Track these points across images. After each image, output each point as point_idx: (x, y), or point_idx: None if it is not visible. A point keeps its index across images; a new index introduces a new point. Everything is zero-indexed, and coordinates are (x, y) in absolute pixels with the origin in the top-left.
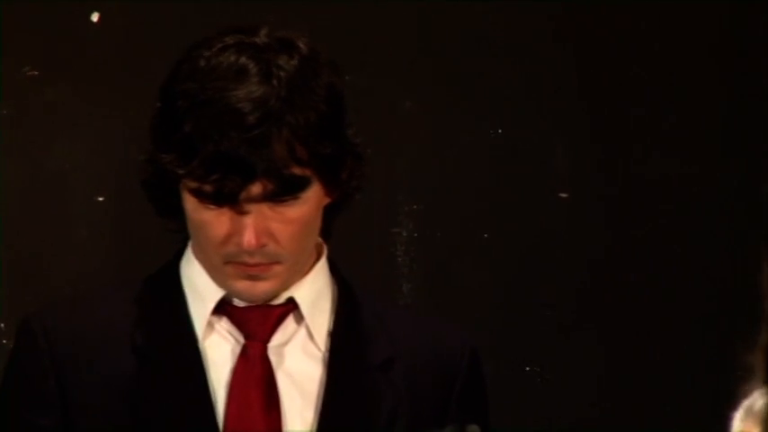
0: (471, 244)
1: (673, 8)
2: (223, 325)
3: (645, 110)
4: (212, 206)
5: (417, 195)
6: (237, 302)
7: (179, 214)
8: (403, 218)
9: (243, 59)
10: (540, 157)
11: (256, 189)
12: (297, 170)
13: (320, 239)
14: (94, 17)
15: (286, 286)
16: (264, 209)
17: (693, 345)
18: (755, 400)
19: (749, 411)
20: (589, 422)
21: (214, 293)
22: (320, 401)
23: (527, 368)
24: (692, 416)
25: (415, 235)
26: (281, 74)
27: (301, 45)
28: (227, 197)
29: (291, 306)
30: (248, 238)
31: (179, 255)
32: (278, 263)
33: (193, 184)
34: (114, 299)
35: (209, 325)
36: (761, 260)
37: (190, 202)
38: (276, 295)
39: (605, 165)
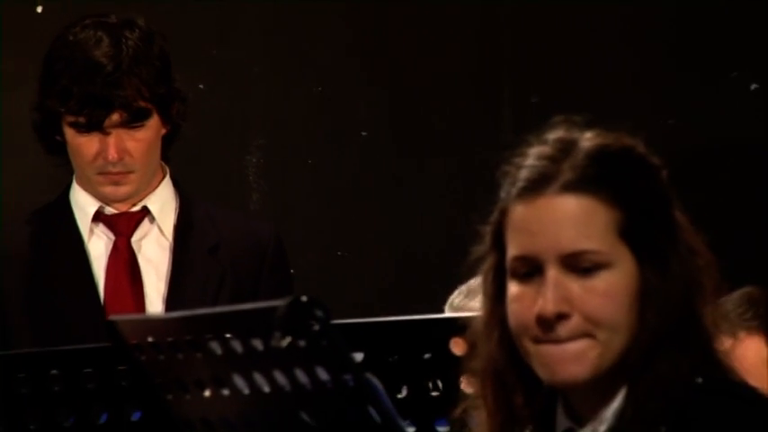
0: (301, 168)
1: None
2: (100, 228)
3: (431, 69)
4: (85, 133)
5: (264, 133)
6: (108, 211)
7: (63, 151)
8: (253, 149)
9: (99, 33)
10: (348, 105)
11: (115, 117)
12: (143, 104)
13: (164, 164)
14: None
15: (140, 194)
16: (122, 133)
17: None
18: (454, 296)
19: (450, 307)
20: (388, 293)
21: (92, 206)
22: (169, 276)
23: (339, 253)
24: None
25: (262, 161)
26: (129, 42)
27: (140, 23)
28: (95, 124)
29: (146, 212)
30: (111, 153)
31: (68, 186)
32: (132, 172)
33: (71, 119)
34: (31, 220)
35: (91, 230)
36: None
37: (69, 134)
38: (132, 198)
39: (397, 113)
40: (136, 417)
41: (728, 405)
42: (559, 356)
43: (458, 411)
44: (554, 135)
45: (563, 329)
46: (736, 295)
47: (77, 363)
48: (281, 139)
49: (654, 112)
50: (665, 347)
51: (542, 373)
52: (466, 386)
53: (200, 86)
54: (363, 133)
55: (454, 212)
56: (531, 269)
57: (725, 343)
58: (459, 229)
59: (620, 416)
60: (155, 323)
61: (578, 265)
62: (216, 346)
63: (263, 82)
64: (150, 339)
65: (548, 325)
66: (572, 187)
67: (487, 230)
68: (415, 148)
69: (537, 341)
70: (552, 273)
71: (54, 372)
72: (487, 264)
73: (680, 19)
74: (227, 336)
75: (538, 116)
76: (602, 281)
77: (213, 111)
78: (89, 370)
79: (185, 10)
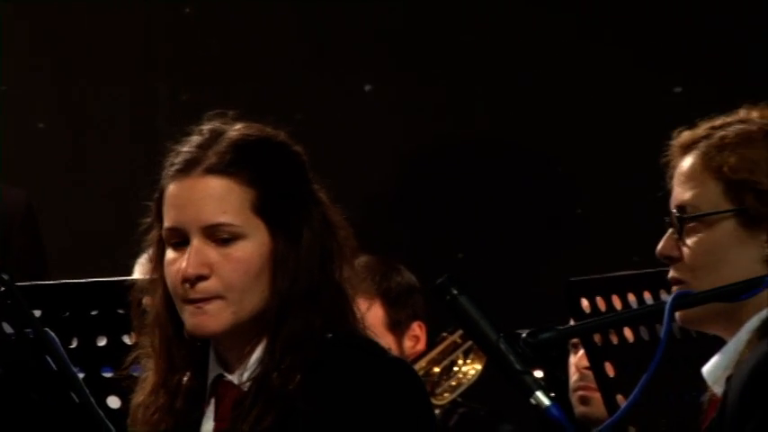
0: (56, 174)
1: None
2: None
3: (100, 72)
4: None
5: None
6: None
7: None
8: None
9: None
10: (29, 102)
11: None
12: None
13: None
14: None
15: None
16: None
17: None
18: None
19: (139, 264)
20: (66, 257)
21: None
22: None
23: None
24: None
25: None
26: None
27: None
28: None
29: None
30: None
31: None
32: None
33: None
34: None
35: None
36: None
37: None
38: None
39: (70, 109)
40: None
41: (352, 355)
42: (200, 314)
43: (130, 359)
44: (208, 126)
45: (202, 289)
46: (357, 264)
47: None
48: (24, 140)
49: (285, 108)
50: (299, 307)
51: (187, 327)
52: (132, 338)
53: None
54: (40, 125)
55: (126, 192)
56: (181, 239)
57: (363, 305)
58: (131, 204)
59: (261, 364)
60: None
61: (216, 235)
62: None
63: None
64: None
65: (190, 284)
66: (213, 170)
67: (152, 206)
68: (86, 137)
69: (184, 301)
70: (195, 241)
71: None
72: (153, 233)
73: (315, 34)
74: None
75: (187, 111)
76: (237, 249)
77: None
78: None
79: None
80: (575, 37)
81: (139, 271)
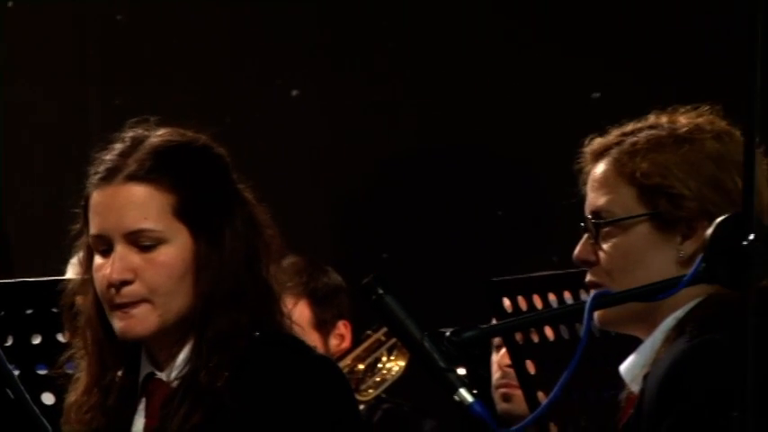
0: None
1: None
2: None
3: (34, 78)
4: None
5: None
6: None
7: None
8: None
9: None
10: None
11: None
12: None
13: None
14: None
15: None
16: None
17: None
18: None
19: (72, 265)
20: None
21: None
22: None
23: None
24: None
25: None
26: None
27: None
28: None
29: None
30: None
31: None
32: None
33: None
34: None
35: None
36: None
37: None
38: None
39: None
40: None
41: (279, 353)
42: (127, 318)
43: (64, 357)
44: (130, 133)
45: (128, 293)
46: (284, 265)
47: None
48: None
49: (214, 113)
50: (224, 307)
51: (116, 331)
52: (66, 336)
53: None
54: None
55: (58, 196)
56: (106, 245)
57: (289, 303)
58: (62, 209)
59: (189, 363)
60: None
61: (139, 241)
62: None
63: None
64: None
65: (116, 289)
66: (134, 177)
67: (80, 212)
68: (20, 142)
69: (111, 306)
70: (119, 248)
71: None
72: (83, 239)
73: (244, 40)
74: None
75: (120, 115)
76: (160, 254)
77: None
78: None
79: None
80: (496, 40)
81: (72, 272)
